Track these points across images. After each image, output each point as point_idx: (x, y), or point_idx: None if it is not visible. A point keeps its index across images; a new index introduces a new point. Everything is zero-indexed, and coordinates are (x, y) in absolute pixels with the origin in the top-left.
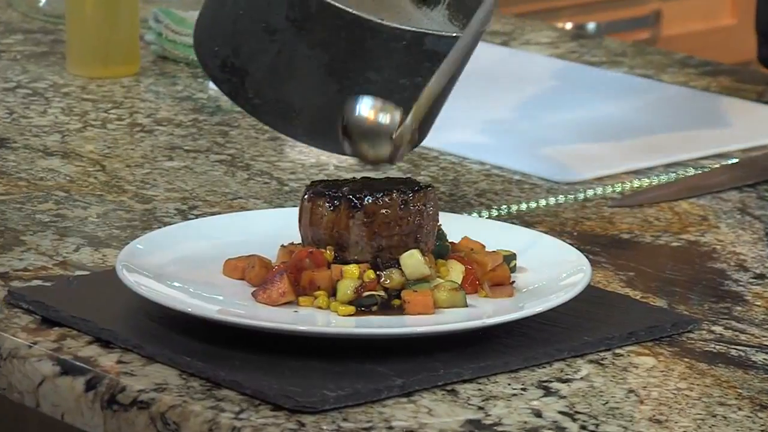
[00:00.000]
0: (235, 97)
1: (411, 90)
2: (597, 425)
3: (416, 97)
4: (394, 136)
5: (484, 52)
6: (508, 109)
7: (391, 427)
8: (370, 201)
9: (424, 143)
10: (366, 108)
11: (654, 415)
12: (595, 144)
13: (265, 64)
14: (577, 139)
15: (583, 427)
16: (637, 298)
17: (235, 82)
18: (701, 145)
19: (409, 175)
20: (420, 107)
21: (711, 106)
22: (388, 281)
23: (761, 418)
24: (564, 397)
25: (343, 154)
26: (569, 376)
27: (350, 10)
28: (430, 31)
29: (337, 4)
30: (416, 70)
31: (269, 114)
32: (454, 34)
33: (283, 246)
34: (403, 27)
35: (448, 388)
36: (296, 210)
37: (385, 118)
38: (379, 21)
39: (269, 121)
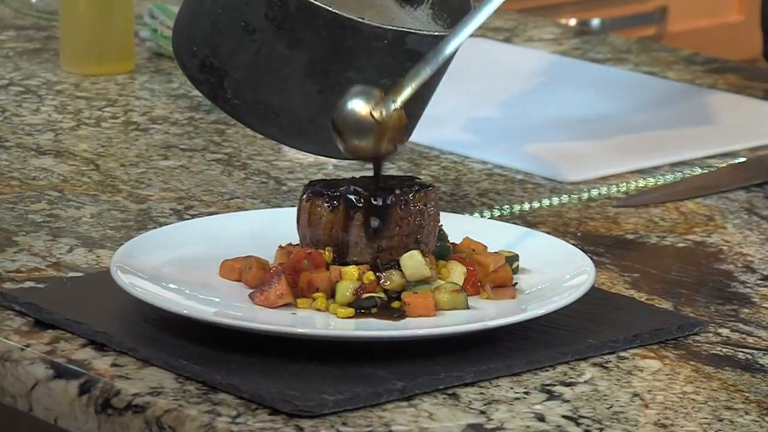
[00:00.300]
0: (214, 98)
1: None
2: (601, 429)
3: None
4: (377, 117)
5: (486, 49)
6: (510, 107)
7: None
8: (370, 201)
9: (425, 142)
10: (351, 102)
11: (659, 420)
12: (599, 143)
13: (244, 64)
14: (581, 137)
15: None
16: (642, 299)
17: (214, 82)
18: (707, 144)
19: (409, 174)
20: (404, 87)
21: (717, 104)
22: (388, 283)
23: None
24: (567, 401)
25: (324, 155)
26: (573, 380)
27: (330, 9)
28: (412, 30)
29: (316, 3)
30: (398, 69)
31: (248, 115)
32: (437, 33)
33: (280, 247)
34: (385, 26)
35: (450, 391)
36: (294, 210)
37: (369, 109)
38: (360, 20)
39: (249, 122)
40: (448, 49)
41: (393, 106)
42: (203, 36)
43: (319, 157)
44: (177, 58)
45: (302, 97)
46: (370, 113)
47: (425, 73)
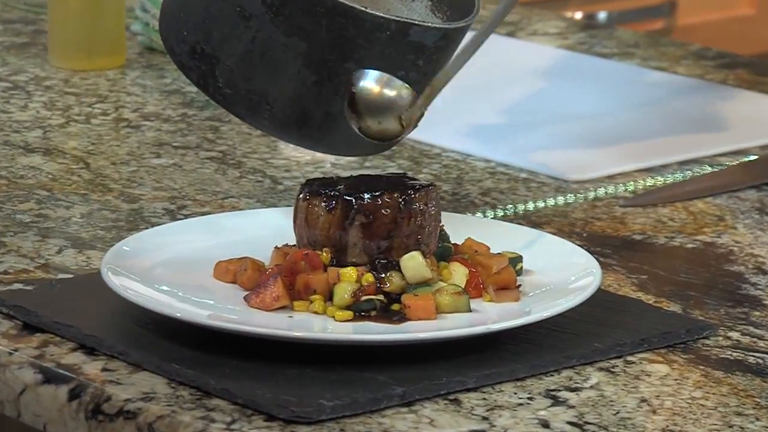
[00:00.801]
0: (204, 86)
1: None
2: None
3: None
4: (403, 115)
5: (489, 44)
6: (514, 103)
7: None
8: (368, 200)
9: (426, 139)
10: (375, 81)
11: (667, 426)
12: (605, 140)
13: (238, 52)
14: (587, 135)
15: None
16: (650, 302)
17: (205, 70)
18: (717, 141)
19: (410, 173)
20: (434, 90)
21: (727, 100)
22: (388, 285)
23: None
24: (573, 406)
25: (318, 151)
26: (578, 385)
27: None
28: (416, 22)
29: None
30: (399, 62)
31: (240, 105)
32: (440, 26)
33: (277, 248)
34: (388, 16)
35: (451, 397)
36: (291, 210)
37: (393, 93)
38: (363, 9)
39: (240, 113)
40: (476, 47)
41: (419, 105)
42: (195, 20)
43: (316, 154)
44: (165, 43)
45: (298, 88)
46: (399, 110)
47: (454, 71)
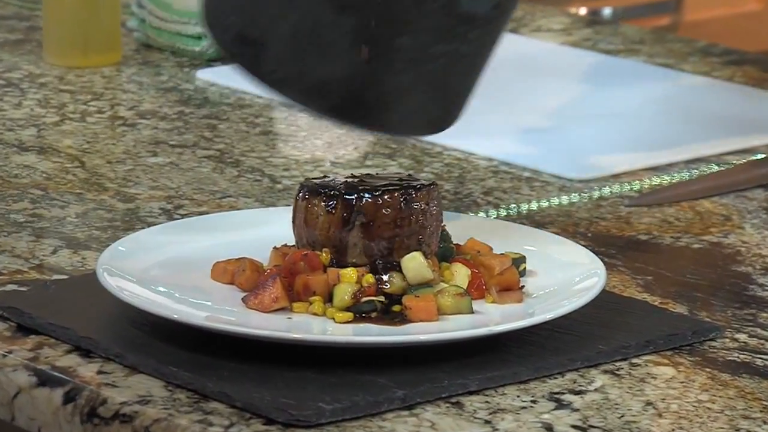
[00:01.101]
0: (254, 72)
1: (446, 58)
2: None
3: (451, 67)
4: None
5: None
6: (517, 101)
7: None
8: (369, 200)
9: (427, 138)
10: None
11: (673, 429)
12: (610, 138)
13: (286, 34)
14: (591, 133)
15: None
16: (656, 303)
17: (253, 55)
18: (724, 139)
19: (410, 172)
20: None
21: (735, 97)
22: (389, 286)
23: None
24: (577, 409)
25: (373, 132)
26: (582, 388)
27: None
28: None
29: None
30: (452, 34)
31: (292, 89)
32: None
33: (275, 248)
34: None
35: (453, 400)
36: (290, 209)
37: None
38: None
39: (293, 97)
40: None
41: None
42: (239, 5)
43: (316, 153)
44: (209, 31)
45: (349, 67)
46: None
47: None
